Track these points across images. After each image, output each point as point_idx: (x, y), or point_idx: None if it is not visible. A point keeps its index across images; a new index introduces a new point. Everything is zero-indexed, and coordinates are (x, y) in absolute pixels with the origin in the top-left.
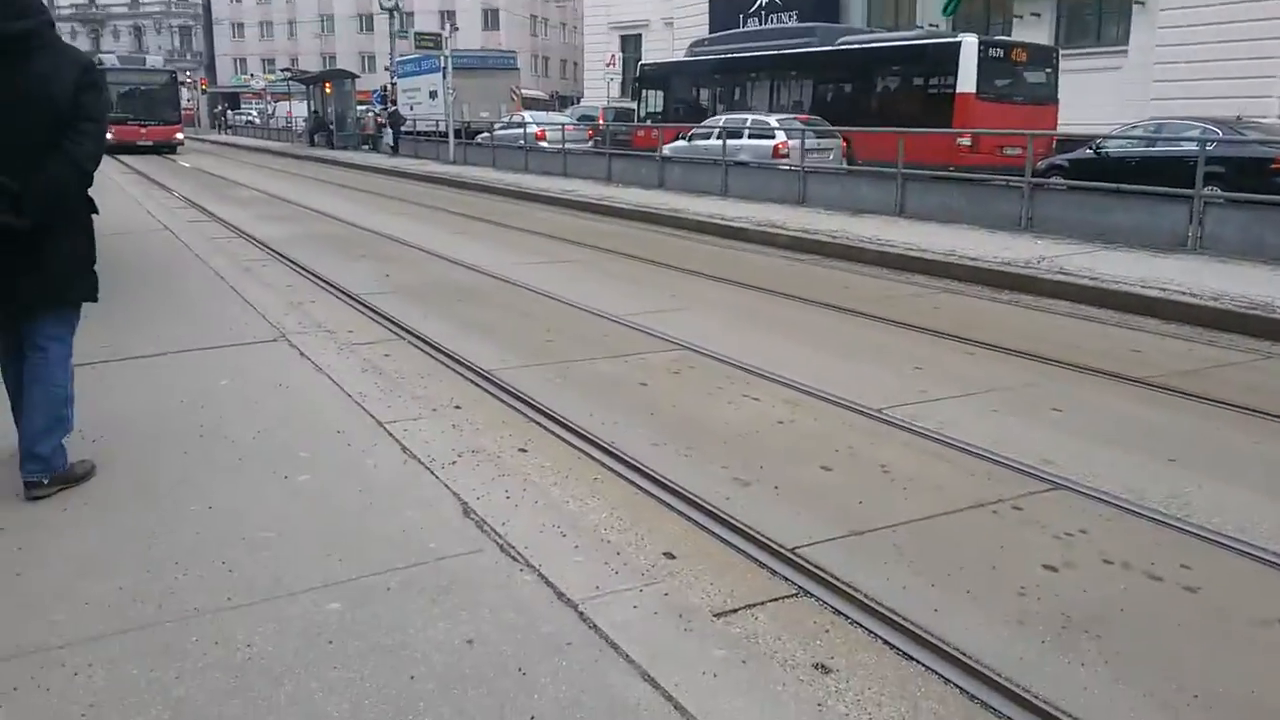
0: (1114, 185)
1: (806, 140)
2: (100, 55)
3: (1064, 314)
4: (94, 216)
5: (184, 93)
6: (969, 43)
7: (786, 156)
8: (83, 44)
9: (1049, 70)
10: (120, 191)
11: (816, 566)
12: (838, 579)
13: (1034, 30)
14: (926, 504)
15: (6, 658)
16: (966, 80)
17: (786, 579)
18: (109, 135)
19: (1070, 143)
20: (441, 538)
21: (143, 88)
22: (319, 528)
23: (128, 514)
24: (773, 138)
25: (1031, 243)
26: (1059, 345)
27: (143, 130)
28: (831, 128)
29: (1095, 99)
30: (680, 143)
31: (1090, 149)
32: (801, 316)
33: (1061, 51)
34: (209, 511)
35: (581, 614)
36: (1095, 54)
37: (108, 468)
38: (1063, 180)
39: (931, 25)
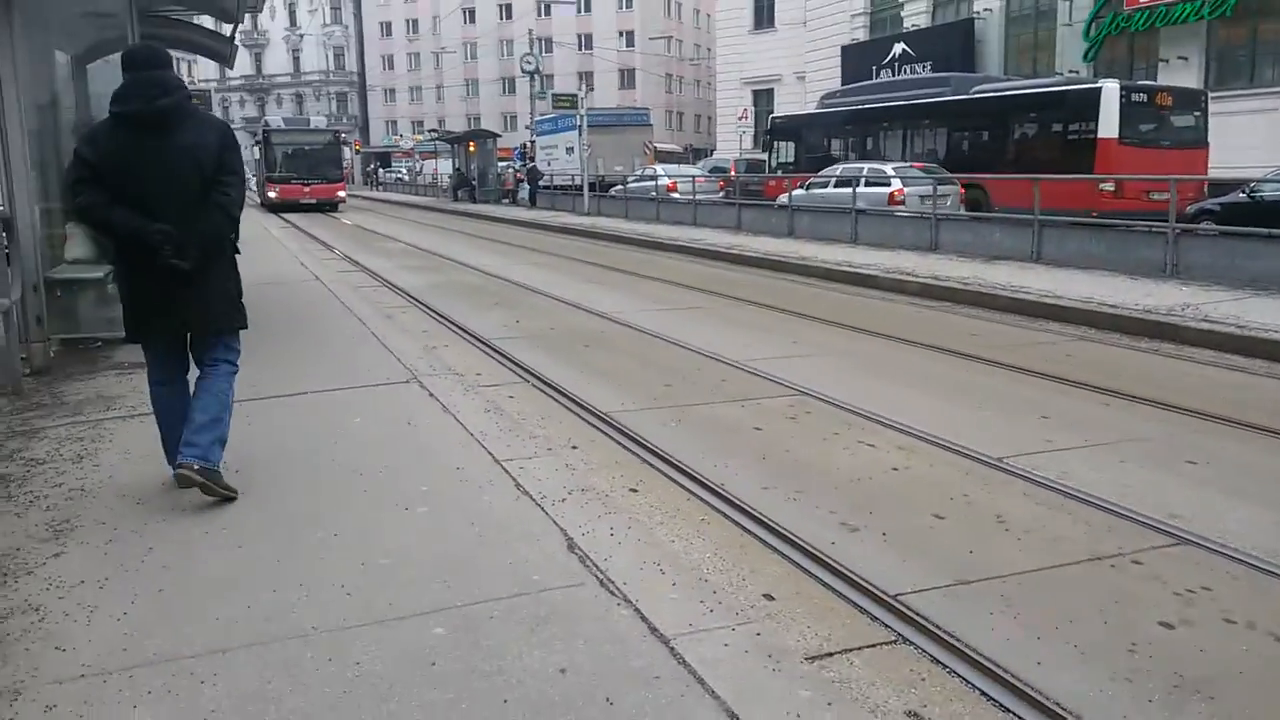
0: (1267, 230)
1: (923, 186)
2: (267, 118)
3: (1208, 363)
4: (238, 257)
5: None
6: (1110, 88)
7: (903, 203)
8: (250, 111)
9: (1197, 114)
10: (279, 245)
11: (918, 614)
12: (939, 627)
13: (1182, 74)
14: (1040, 555)
15: (145, 664)
16: (1108, 125)
17: (886, 625)
18: (273, 194)
19: (1222, 187)
20: (545, 571)
21: (307, 147)
22: (432, 557)
23: (261, 539)
24: (888, 185)
25: (1176, 289)
26: (1199, 396)
27: (306, 189)
28: (948, 174)
29: (1249, 141)
30: (799, 191)
31: (1244, 192)
32: (926, 364)
33: (1211, 94)
34: (334, 538)
35: (673, 649)
36: (1249, 96)
37: (248, 495)
38: (1213, 225)
39: (1072, 72)
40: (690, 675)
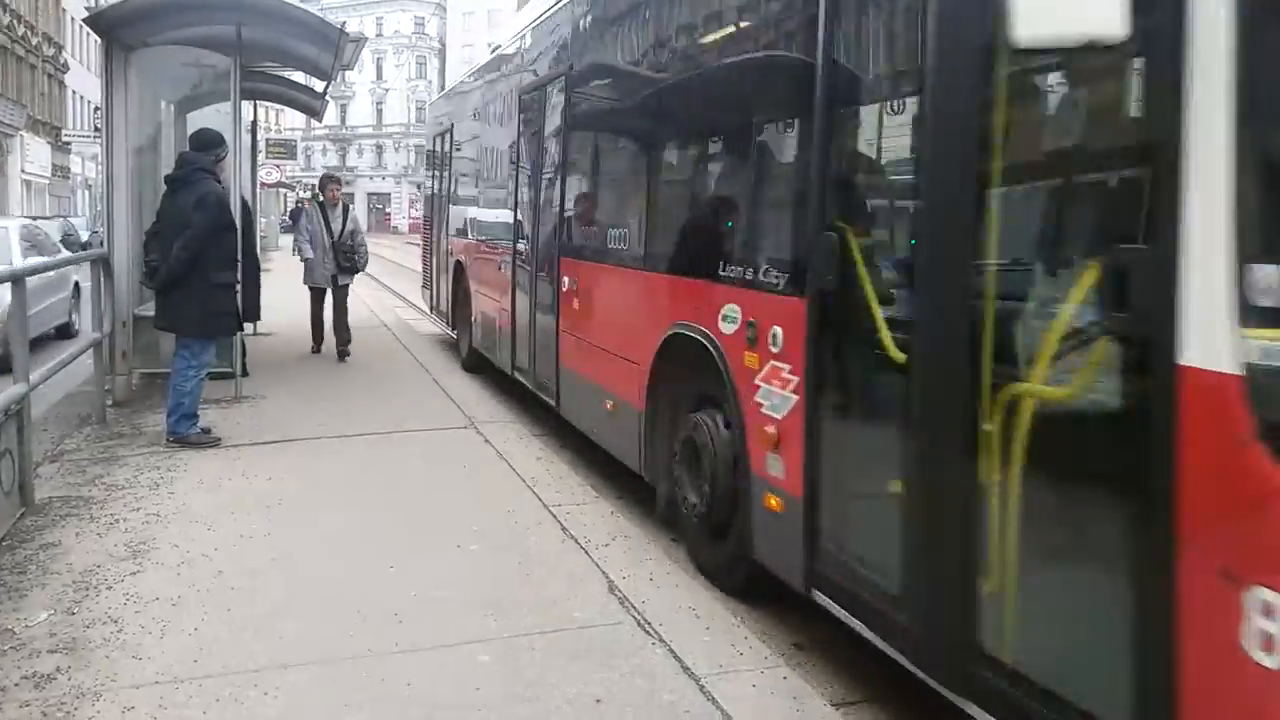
0: None
1: None
2: None
3: None
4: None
5: None
6: None
7: None
8: (332, 159)
9: None
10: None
11: None
12: None
13: None
14: None
15: (215, 675)
16: None
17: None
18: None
19: None
20: (586, 609)
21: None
22: (480, 591)
23: (323, 568)
24: None
25: None
26: None
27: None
28: None
29: None
30: None
31: None
32: None
33: None
34: (390, 570)
35: (702, 686)
36: None
37: (313, 528)
38: None
39: None
40: (718, 711)
